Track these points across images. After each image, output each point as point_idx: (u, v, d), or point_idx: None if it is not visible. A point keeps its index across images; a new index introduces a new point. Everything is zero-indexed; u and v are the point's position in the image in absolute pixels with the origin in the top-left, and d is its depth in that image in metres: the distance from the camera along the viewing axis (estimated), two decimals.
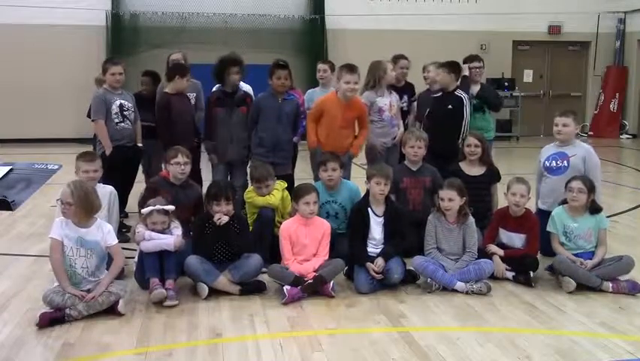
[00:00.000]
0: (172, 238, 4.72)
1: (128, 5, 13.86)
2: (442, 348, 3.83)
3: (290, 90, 6.32)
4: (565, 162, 5.60)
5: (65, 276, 4.28)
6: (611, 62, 16.01)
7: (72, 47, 13.51)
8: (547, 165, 5.69)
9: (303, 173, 6.81)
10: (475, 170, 5.86)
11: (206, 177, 6.35)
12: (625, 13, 15.61)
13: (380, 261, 4.82)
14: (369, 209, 5.01)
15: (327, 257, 4.90)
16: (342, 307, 4.55)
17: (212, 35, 13.10)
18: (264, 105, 6.09)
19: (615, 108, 15.74)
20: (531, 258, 5.04)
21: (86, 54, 13.28)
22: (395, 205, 5.15)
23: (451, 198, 4.98)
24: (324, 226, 5.00)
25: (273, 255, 5.05)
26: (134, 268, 4.90)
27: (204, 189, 5.32)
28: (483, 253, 5.09)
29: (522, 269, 4.97)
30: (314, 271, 4.75)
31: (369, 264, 4.80)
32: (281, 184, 5.59)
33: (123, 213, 6.42)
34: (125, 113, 6.29)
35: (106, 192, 5.14)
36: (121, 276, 4.75)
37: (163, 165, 5.59)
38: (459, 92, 6.44)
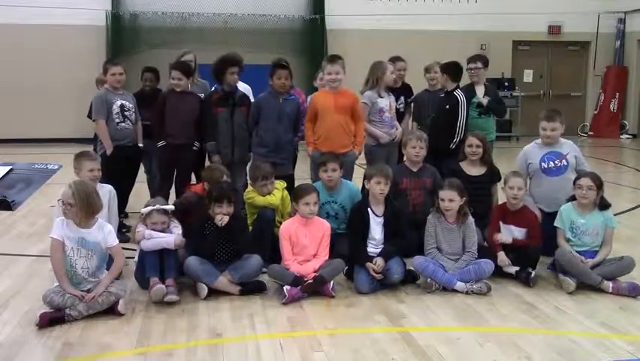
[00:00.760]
0: (172, 237, 4.74)
1: (128, 5, 13.87)
2: (442, 348, 3.83)
3: (290, 90, 6.32)
4: (564, 160, 5.60)
5: (65, 276, 4.28)
6: (611, 62, 16.01)
7: (72, 47, 13.51)
8: (545, 166, 5.62)
9: (303, 173, 6.81)
10: (475, 170, 5.86)
11: None
12: (625, 13, 15.61)
13: (380, 261, 4.82)
14: (368, 209, 5.01)
15: (327, 257, 4.90)
16: (342, 307, 4.55)
17: (212, 35, 13.11)
18: (265, 105, 6.08)
19: (615, 108, 15.74)
20: (534, 248, 5.08)
21: (86, 54, 13.27)
22: (395, 205, 5.15)
23: (451, 199, 4.98)
24: (324, 227, 5.00)
25: (273, 255, 5.05)
26: (134, 268, 4.90)
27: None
28: (486, 251, 5.10)
29: (525, 261, 4.99)
30: (314, 272, 4.75)
31: (369, 264, 4.81)
32: (280, 184, 5.60)
33: (123, 214, 6.42)
34: (125, 113, 6.29)
35: (105, 192, 5.13)
36: (119, 276, 4.74)
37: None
38: (457, 92, 6.47)
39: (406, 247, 5.03)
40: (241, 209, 5.53)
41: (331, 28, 14.40)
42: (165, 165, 6.26)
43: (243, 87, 6.67)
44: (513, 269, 5.02)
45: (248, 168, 6.14)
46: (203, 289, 4.65)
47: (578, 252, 4.96)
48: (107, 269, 4.46)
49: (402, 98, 7.08)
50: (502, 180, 5.27)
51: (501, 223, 5.24)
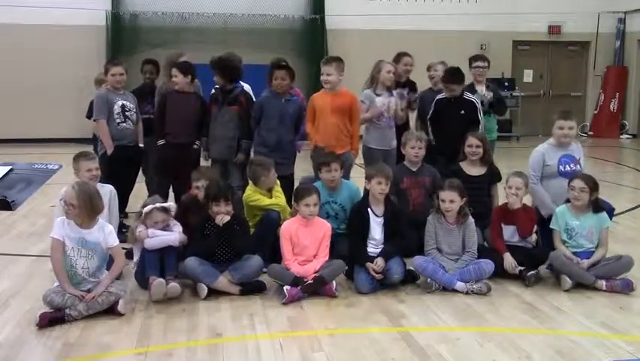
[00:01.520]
0: (175, 235, 4.77)
1: (128, 5, 13.87)
2: (442, 348, 3.83)
3: (290, 90, 6.31)
4: (577, 165, 5.55)
5: (66, 276, 4.28)
6: (611, 62, 16.01)
7: (72, 47, 13.51)
8: (562, 170, 5.48)
9: (304, 173, 6.81)
10: (475, 170, 5.85)
11: None
12: (625, 13, 15.62)
13: (380, 261, 4.82)
14: (368, 209, 5.01)
15: (327, 258, 4.90)
16: (342, 307, 4.55)
17: (211, 35, 13.11)
18: (267, 105, 6.09)
19: (615, 108, 15.75)
20: (540, 250, 5.11)
21: (86, 54, 13.29)
22: (395, 205, 5.15)
23: (452, 200, 4.98)
24: (324, 227, 4.99)
25: (273, 255, 5.04)
26: (134, 268, 4.90)
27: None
28: (486, 251, 5.10)
29: (531, 263, 5.00)
30: (314, 272, 4.75)
31: (369, 264, 4.81)
32: (278, 184, 5.58)
33: (123, 213, 6.41)
34: (126, 113, 6.29)
35: (106, 192, 5.13)
36: (119, 276, 4.74)
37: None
38: (468, 96, 6.45)
39: (405, 247, 5.03)
40: (240, 210, 5.52)
41: (331, 28, 14.40)
42: (163, 163, 6.25)
43: (246, 87, 6.67)
44: (517, 269, 5.02)
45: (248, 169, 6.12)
46: (203, 290, 4.65)
47: (574, 253, 4.95)
48: (107, 269, 4.46)
49: (407, 90, 7.04)
50: (505, 181, 5.25)
51: (502, 225, 5.23)
